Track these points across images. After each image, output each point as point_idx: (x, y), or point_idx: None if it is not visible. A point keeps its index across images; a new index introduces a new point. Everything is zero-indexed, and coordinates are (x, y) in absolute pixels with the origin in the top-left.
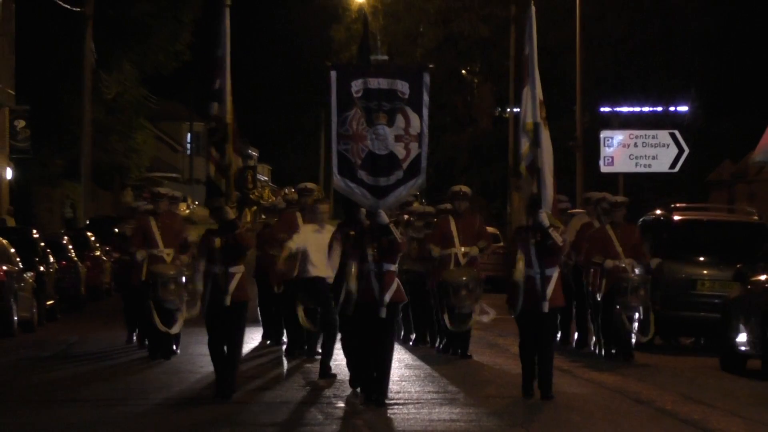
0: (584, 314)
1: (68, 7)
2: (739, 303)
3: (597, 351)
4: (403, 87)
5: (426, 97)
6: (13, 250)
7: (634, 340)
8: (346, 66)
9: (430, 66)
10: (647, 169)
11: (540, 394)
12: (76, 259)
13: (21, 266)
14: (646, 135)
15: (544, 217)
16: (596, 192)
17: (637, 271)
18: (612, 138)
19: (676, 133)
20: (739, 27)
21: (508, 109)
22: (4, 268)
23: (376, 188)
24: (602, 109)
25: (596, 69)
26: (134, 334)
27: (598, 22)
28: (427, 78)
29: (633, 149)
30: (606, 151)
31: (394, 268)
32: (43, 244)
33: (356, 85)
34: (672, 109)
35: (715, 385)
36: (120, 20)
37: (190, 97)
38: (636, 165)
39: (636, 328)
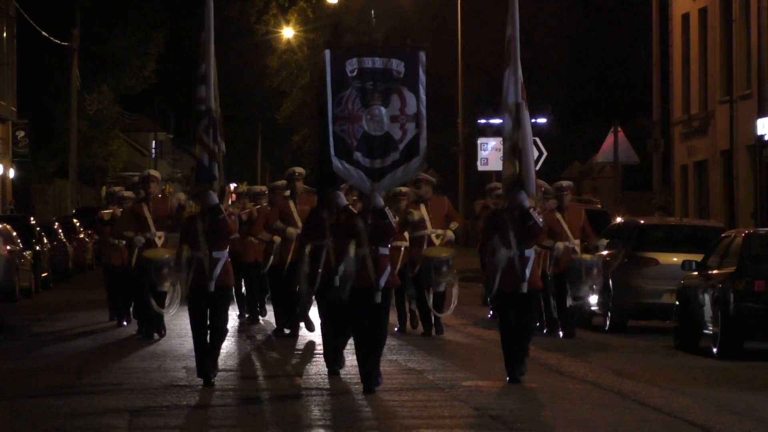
0: None
1: (58, 42)
2: None
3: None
4: (398, 66)
5: (423, 76)
6: (14, 234)
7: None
8: (341, 46)
9: (426, 45)
10: None
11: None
12: (65, 240)
13: (21, 246)
14: None
15: (525, 198)
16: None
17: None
18: (487, 143)
19: (537, 139)
20: (585, 60)
21: None
22: (8, 247)
23: (372, 170)
24: (480, 121)
25: (474, 90)
26: (120, 316)
27: (475, 54)
28: (423, 57)
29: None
30: (482, 154)
31: (387, 252)
32: (38, 228)
33: (350, 65)
34: (533, 121)
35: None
36: (100, 53)
37: (155, 112)
38: None
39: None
